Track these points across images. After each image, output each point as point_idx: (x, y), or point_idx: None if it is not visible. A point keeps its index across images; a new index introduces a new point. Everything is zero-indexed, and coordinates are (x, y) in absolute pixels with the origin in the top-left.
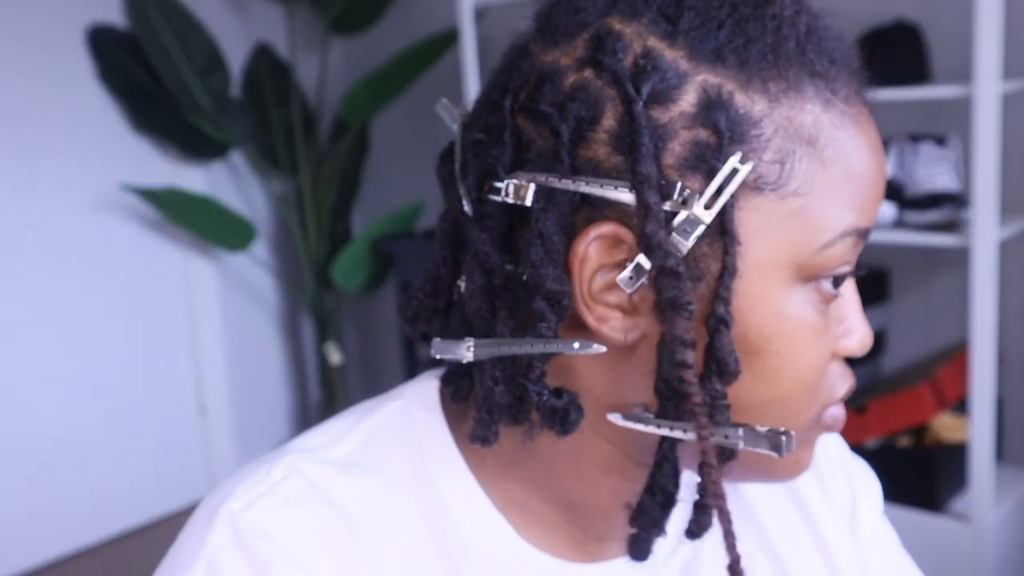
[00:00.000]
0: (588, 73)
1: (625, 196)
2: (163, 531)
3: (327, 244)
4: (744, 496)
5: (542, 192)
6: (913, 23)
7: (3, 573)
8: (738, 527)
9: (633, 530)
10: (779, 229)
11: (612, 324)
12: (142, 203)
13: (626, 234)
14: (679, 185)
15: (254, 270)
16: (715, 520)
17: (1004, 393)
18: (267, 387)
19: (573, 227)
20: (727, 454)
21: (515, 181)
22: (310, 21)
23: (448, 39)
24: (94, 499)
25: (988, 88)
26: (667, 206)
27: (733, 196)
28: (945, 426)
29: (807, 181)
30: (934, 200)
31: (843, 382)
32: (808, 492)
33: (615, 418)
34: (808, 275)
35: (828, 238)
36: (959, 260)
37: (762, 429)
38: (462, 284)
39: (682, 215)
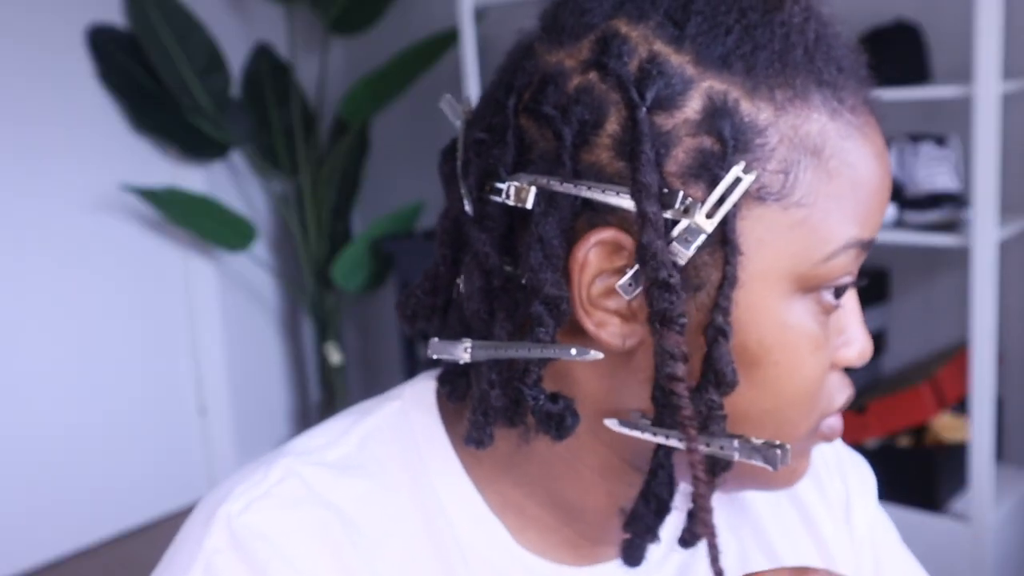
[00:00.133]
0: (593, 76)
1: (626, 202)
2: (163, 531)
3: (327, 244)
4: (743, 498)
5: (543, 195)
6: (913, 23)
7: (3, 573)
8: (738, 528)
9: (627, 535)
10: (781, 240)
11: (610, 330)
12: (142, 203)
13: (627, 240)
14: (681, 193)
15: (254, 270)
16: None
17: (1004, 393)
18: (267, 387)
19: (574, 231)
20: (721, 465)
21: (516, 183)
22: (310, 21)
23: (448, 39)
24: (94, 499)
25: (988, 88)
26: (668, 214)
27: (735, 206)
28: (945, 426)
29: (811, 192)
30: (934, 200)
31: (842, 392)
32: (806, 494)
33: (611, 424)
34: (809, 286)
35: (831, 249)
36: (959, 260)
37: (757, 442)
38: (461, 283)
39: (683, 224)
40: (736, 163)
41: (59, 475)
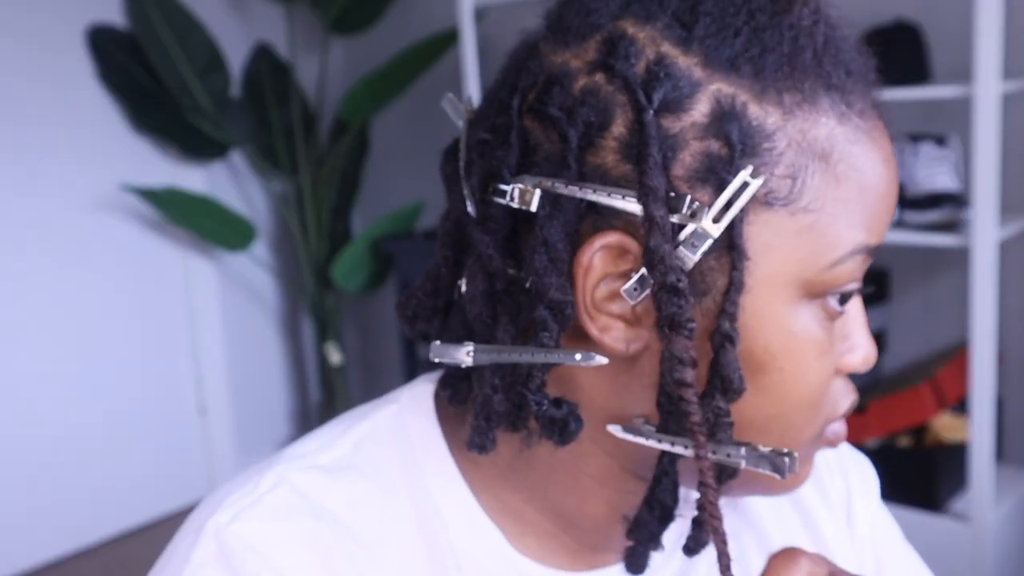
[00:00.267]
0: (599, 77)
1: (632, 206)
2: (163, 531)
3: (327, 244)
4: (744, 502)
5: (548, 198)
6: (913, 23)
7: (3, 573)
8: (739, 533)
9: (630, 543)
10: (788, 245)
11: (615, 334)
12: (142, 203)
13: (632, 244)
14: (688, 198)
15: (254, 270)
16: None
17: (1004, 393)
18: (267, 387)
19: (578, 235)
20: (728, 472)
21: (520, 185)
22: (310, 21)
23: (448, 39)
24: (94, 499)
25: (988, 88)
26: (675, 219)
27: (742, 210)
28: (945, 426)
29: (819, 197)
30: (934, 200)
31: (846, 398)
32: (808, 496)
33: (615, 430)
34: (815, 292)
35: (838, 255)
36: (959, 260)
37: (765, 450)
38: (463, 285)
39: (690, 228)
40: (744, 167)
41: (59, 475)
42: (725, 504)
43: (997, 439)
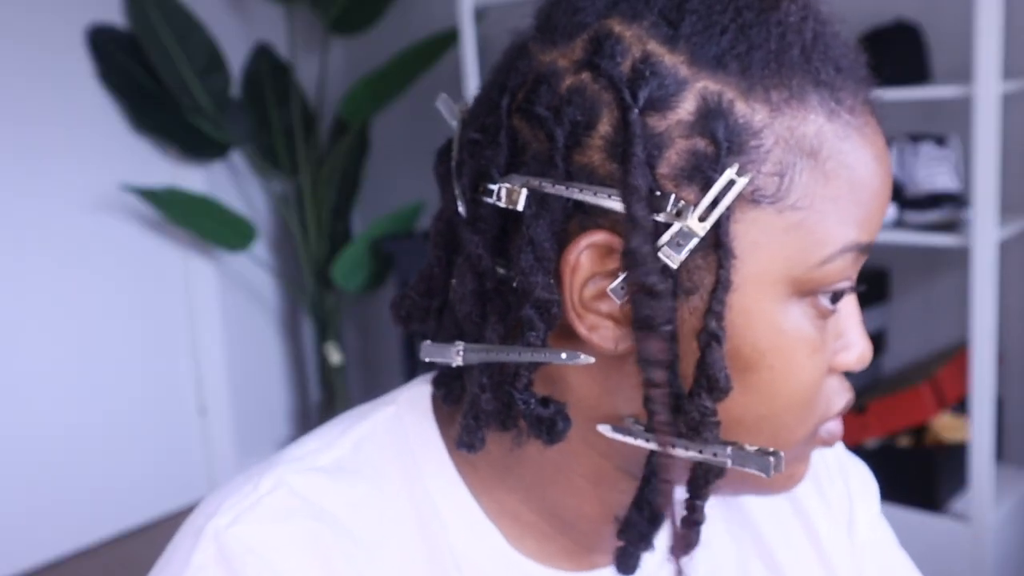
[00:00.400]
0: (585, 76)
1: (618, 205)
2: (163, 531)
3: (327, 244)
4: (744, 505)
5: (535, 197)
6: (913, 23)
7: (3, 573)
8: (738, 536)
9: (620, 543)
10: (776, 243)
11: (603, 333)
12: (142, 203)
13: (619, 243)
14: (673, 196)
15: (254, 270)
16: (705, 536)
17: (1004, 393)
18: (267, 387)
19: (566, 234)
20: (715, 472)
21: (507, 185)
22: (310, 21)
23: (448, 39)
24: (94, 499)
25: (988, 88)
26: (660, 217)
27: (729, 208)
28: (945, 426)
29: (807, 194)
30: (934, 200)
31: (841, 396)
32: (806, 497)
33: (604, 430)
34: (805, 290)
35: (827, 253)
36: (959, 260)
37: (751, 449)
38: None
39: (675, 227)
40: (730, 165)
41: (59, 475)
42: (724, 505)
43: (997, 439)
